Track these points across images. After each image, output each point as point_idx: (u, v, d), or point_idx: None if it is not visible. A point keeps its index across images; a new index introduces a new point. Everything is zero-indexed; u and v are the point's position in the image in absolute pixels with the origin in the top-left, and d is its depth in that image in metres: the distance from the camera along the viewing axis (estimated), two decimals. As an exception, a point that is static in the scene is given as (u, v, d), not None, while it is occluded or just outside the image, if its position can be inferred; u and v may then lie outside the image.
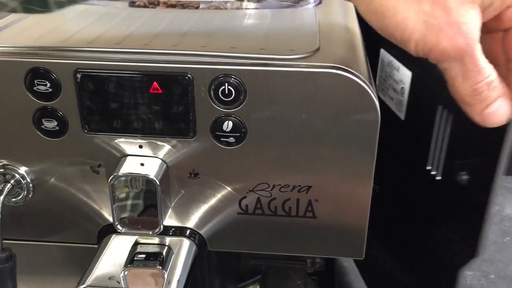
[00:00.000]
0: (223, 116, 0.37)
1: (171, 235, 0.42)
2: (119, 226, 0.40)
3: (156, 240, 0.42)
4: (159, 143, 0.39)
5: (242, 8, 0.49)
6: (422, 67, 0.46)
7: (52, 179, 0.41)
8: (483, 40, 0.30)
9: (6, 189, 0.40)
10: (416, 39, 0.30)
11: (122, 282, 0.39)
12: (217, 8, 0.49)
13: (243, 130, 0.37)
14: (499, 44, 0.33)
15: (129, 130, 0.38)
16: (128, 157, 0.39)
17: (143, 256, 0.40)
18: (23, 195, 0.41)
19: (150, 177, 0.38)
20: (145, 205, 0.40)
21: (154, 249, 0.41)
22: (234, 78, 0.36)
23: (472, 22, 0.29)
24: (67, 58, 0.37)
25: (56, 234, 0.43)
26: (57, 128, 0.38)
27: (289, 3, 0.50)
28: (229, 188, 0.40)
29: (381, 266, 0.61)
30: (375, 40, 0.39)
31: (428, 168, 0.47)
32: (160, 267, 0.39)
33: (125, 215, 0.40)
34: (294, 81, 0.35)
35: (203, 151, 0.38)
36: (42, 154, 0.40)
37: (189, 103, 0.37)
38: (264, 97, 0.36)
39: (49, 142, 0.39)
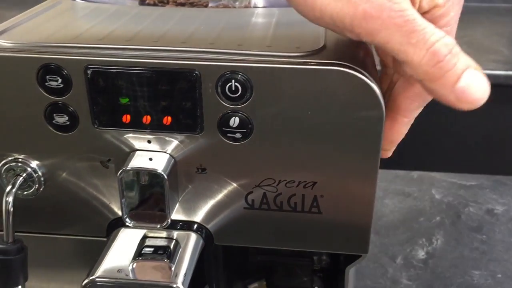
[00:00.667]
0: (230, 112, 0.37)
1: (179, 229, 0.43)
2: (127, 220, 0.41)
3: (163, 234, 0.42)
4: (167, 138, 0.39)
5: (251, 7, 0.50)
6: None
7: (63, 173, 0.41)
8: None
9: (18, 182, 0.41)
10: (333, 16, 0.28)
11: (130, 274, 0.40)
12: (225, 6, 0.50)
13: (250, 126, 0.38)
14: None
15: (138, 126, 0.39)
16: (137, 152, 0.40)
17: (151, 249, 0.41)
18: (34, 188, 0.42)
19: (159, 171, 0.38)
20: (153, 199, 0.40)
21: (162, 242, 0.42)
22: (241, 75, 0.36)
23: None
24: (78, 54, 0.37)
25: (66, 227, 0.44)
26: (68, 123, 0.39)
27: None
28: (235, 183, 0.40)
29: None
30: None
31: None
32: (168, 260, 0.40)
33: (133, 209, 0.41)
34: (300, 78, 0.36)
35: (210, 146, 0.39)
36: (53, 148, 0.40)
37: (197, 99, 0.37)
38: (270, 94, 0.37)
39: (60, 137, 0.40)
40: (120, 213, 0.42)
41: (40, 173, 0.41)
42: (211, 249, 0.44)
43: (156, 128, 0.39)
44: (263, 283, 0.60)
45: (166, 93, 0.37)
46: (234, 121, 0.38)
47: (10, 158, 0.41)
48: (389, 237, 0.76)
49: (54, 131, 0.40)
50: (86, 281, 0.39)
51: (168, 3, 0.51)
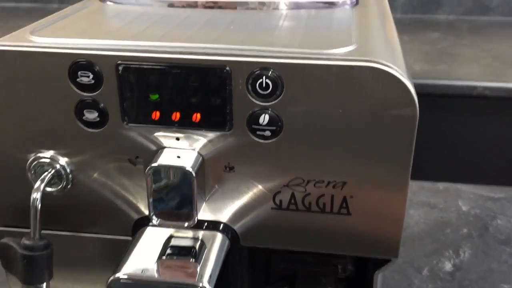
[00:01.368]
0: (260, 109, 0.37)
1: (205, 229, 0.42)
2: (154, 218, 0.40)
3: (189, 233, 0.42)
4: (196, 136, 0.39)
5: (279, 9, 0.50)
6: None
7: (90, 170, 0.41)
8: None
9: (46, 179, 0.41)
10: None
11: (155, 273, 0.39)
12: (254, 9, 0.50)
13: (279, 124, 0.37)
14: None
15: (167, 122, 0.39)
16: (165, 149, 0.40)
17: (177, 249, 0.41)
18: (62, 185, 0.42)
19: (187, 168, 0.38)
20: (180, 197, 0.40)
21: (188, 242, 0.41)
22: (272, 72, 0.36)
23: None
24: (109, 50, 0.38)
25: (91, 225, 0.44)
26: (98, 119, 0.39)
27: (326, 4, 0.50)
28: (263, 183, 0.40)
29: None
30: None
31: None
32: (193, 260, 0.40)
33: (160, 207, 0.40)
34: (331, 75, 0.35)
35: (239, 144, 0.38)
36: (82, 145, 0.40)
37: (227, 96, 0.37)
38: (301, 91, 0.36)
39: (90, 133, 0.40)
40: (146, 211, 0.42)
41: (68, 170, 0.42)
42: (237, 250, 0.43)
43: (185, 125, 0.38)
44: (286, 290, 0.59)
45: (196, 90, 0.37)
46: (264, 118, 0.37)
47: (39, 155, 0.41)
48: (414, 248, 0.74)
49: (84, 127, 0.40)
50: (111, 278, 0.39)
51: (197, 6, 0.51)
